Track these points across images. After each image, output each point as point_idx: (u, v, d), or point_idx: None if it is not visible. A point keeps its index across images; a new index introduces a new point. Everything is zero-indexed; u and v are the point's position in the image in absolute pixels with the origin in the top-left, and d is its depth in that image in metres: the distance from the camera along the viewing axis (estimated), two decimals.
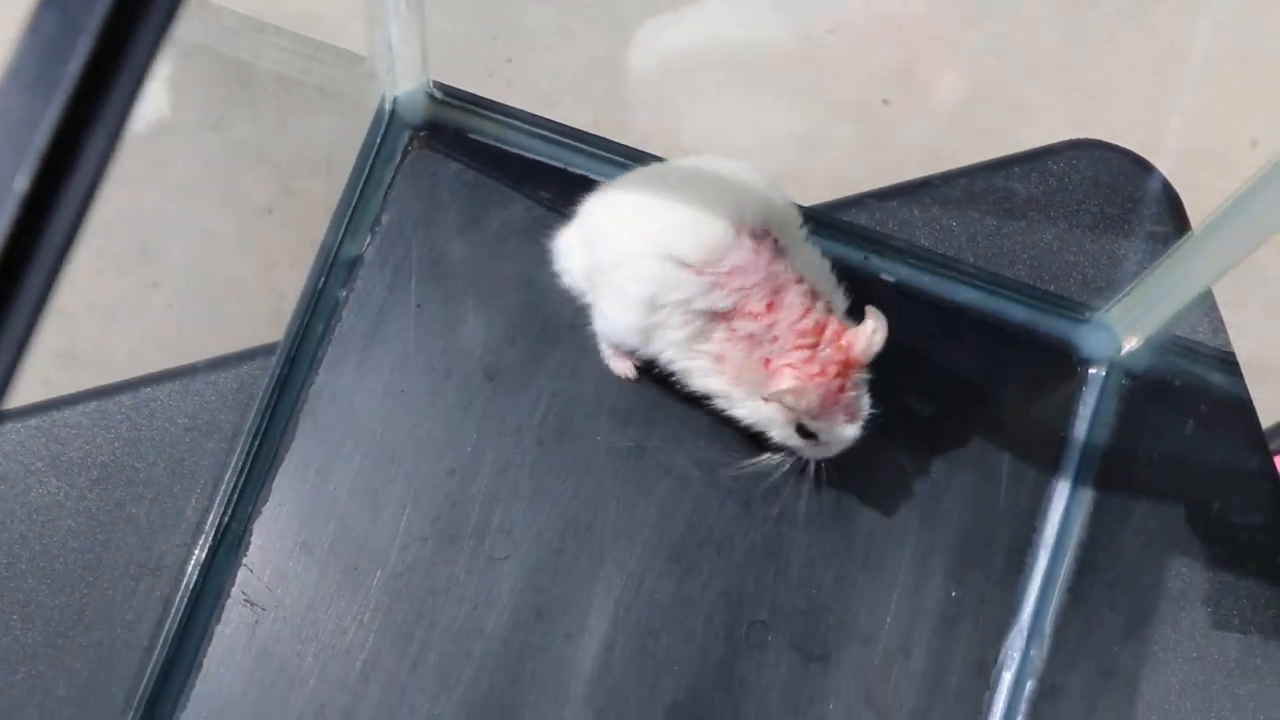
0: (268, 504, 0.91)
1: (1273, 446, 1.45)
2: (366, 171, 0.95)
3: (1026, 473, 0.95)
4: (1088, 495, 0.95)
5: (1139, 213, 1.00)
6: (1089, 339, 0.97)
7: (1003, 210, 0.99)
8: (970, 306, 0.97)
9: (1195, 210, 0.98)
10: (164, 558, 0.91)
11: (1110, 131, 1.02)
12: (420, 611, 0.90)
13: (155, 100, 1.39)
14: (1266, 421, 0.98)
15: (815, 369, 0.82)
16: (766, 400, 0.84)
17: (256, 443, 0.91)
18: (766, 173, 0.87)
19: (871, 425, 0.87)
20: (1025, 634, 0.93)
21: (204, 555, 0.89)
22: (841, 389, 0.83)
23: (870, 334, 0.83)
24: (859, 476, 0.90)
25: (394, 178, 0.96)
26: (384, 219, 0.95)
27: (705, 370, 0.87)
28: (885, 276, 0.97)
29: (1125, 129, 1.07)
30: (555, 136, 0.97)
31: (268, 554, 0.90)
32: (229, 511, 0.90)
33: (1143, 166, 1.00)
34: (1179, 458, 0.96)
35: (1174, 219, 0.99)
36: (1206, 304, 0.97)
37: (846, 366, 0.83)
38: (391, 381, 0.93)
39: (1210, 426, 0.97)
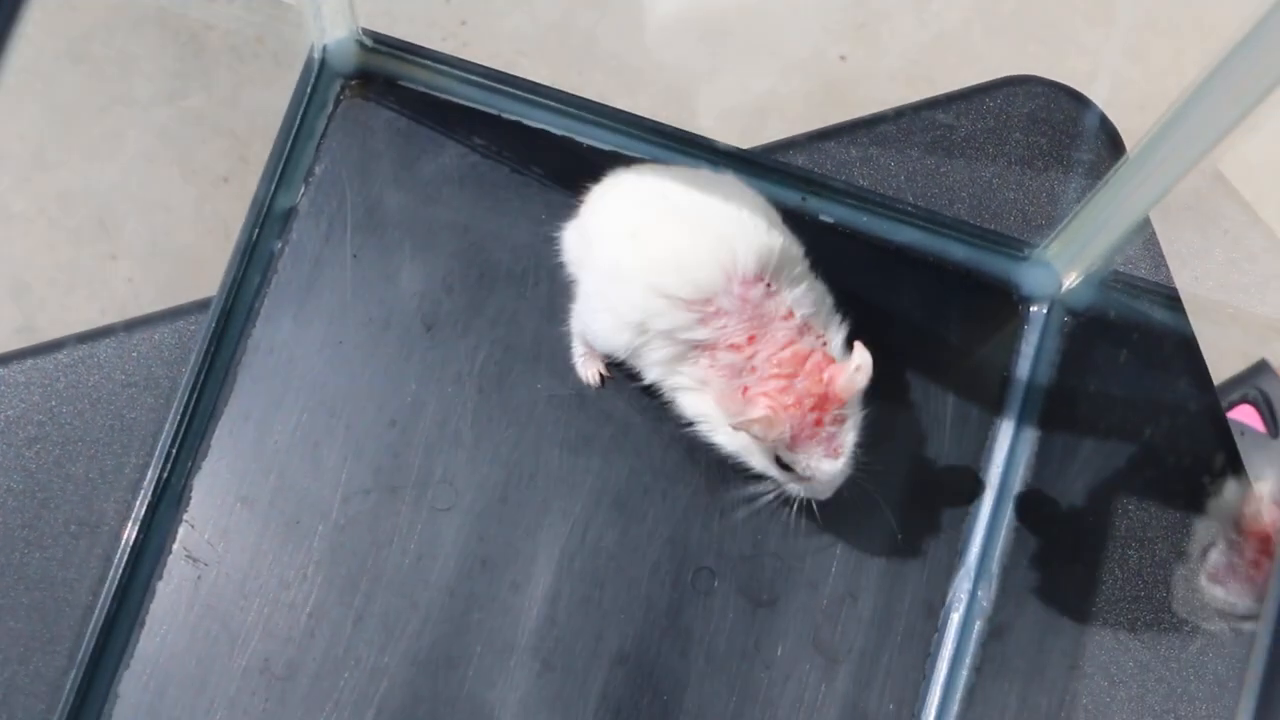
0: (207, 459, 0.91)
1: (1232, 398, 1.45)
2: (298, 122, 0.94)
3: (970, 413, 0.95)
4: (1032, 435, 0.95)
5: (1077, 148, 0.99)
6: (1029, 276, 0.97)
7: (941, 148, 0.99)
8: (909, 246, 0.97)
9: (1134, 144, 0.98)
10: (104, 515, 0.90)
11: (1050, 69, 1.02)
12: (364, 564, 0.90)
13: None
14: (1221, 365, 0.98)
15: (789, 400, 0.81)
16: (735, 428, 0.83)
17: (194, 397, 0.91)
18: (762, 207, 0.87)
19: None
20: (972, 575, 0.92)
21: (144, 511, 0.89)
22: (818, 422, 0.82)
23: (853, 370, 0.82)
24: None
25: (326, 127, 0.95)
26: (317, 169, 0.95)
27: (687, 391, 0.87)
28: (824, 218, 0.96)
29: (1066, 66, 1.06)
30: (488, 82, 0.97)
31: (208, 509, 0.90)
32: (168, 467, 0.90)
33: (1080, 101, 1.00)
34: (1123, 395, 0.96)
35: (1112, 153, 0.99)
36: (1147, 239, 0.97)
37: (825, 400, 0.82)
38: (329, 333, 0.92)
39: (1154, 363, 0.96)
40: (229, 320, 0.92)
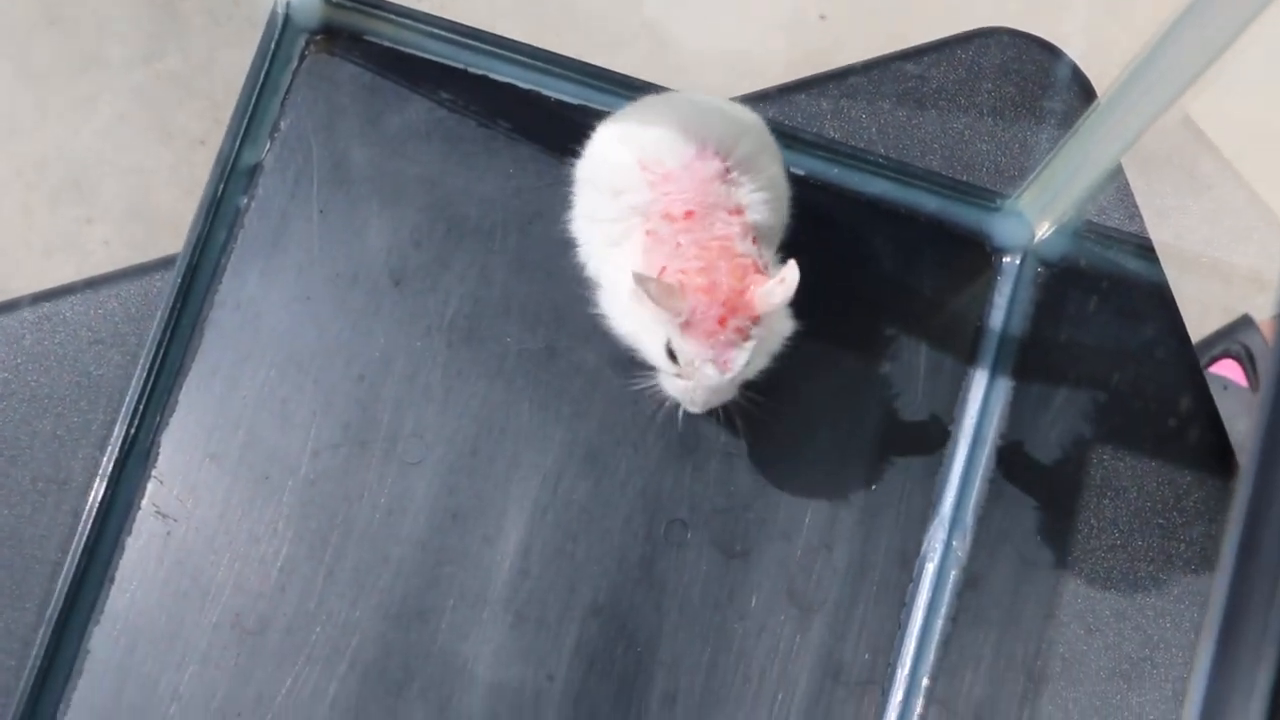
0: (175, 415, 0.90)
1: (1214, 352, 1.45)
2: (263, 77, 0.94)
3: (944, 364, 0.94)
4: (1006, 386, 0.94)
5: (1049, 99, 0.99)
6: (1001, 227, 0.96)
7: (913, 100, 0.98)
8: (881, 198, 0.96)
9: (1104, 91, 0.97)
10: (71, 471, 0.90)
11: (1021, 19, 1.01)
12: (334, 518, 0.89)
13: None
14: (1204, 320, 0.98)
15: (703, 283, 0.78)
16: (636, 283, 0.78)
17: (161, 354, 0.90)
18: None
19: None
20: (947, 525, 0.92)
21: (112, 468, 0.89)
22: (721, 320, 0.78)
23: (776, 282, 0.78)
24: (775, 373, 0.88)
25: (292, 83, 0.95)
26: (283, 125, 0.94)
27: (609, 263, 0.85)
28: (795, 170, 0.96)
29: (1037, 17, 1.05)
30: (454, 37, 0.96)
31: (177, 465, 0.90)
32: (136, 424, 0.89)
33: (1052, 52, 0.99)
34: (1097, 345, 0.96)
35: (1084, 103, 0.98)
36: (1119, 189, 0.96)
37: (737, 302, 0.78)
38: (297, 288, 0.92)
39: (1127, 313, 0.96)
40: (195, 277, 0.91)
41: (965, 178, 0.97)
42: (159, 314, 0.90)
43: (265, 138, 0.94)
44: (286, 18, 0.95)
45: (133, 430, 0.89)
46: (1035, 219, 0.95)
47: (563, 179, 0.91)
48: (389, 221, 0.93)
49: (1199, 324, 0.99)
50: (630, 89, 0.96)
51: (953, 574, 0.92)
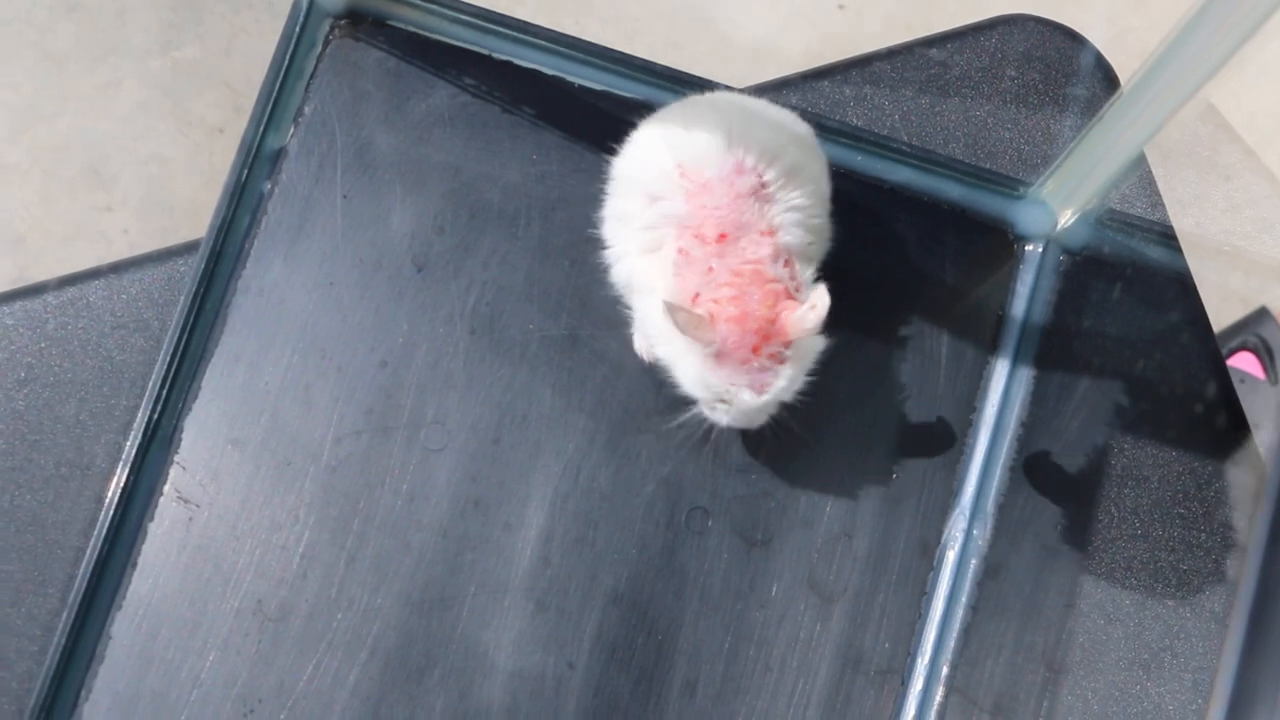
0: (198, 400, 0.90)
1: (1232, 344, 1.45)
2: (287, 62, 0.94)
3: (965, 352, 0.94)
4: (1027, 374, 0.94)
5: (1073, 86, 0.99)
6: (1024, 215, 0.96)
7: (936, 88, 0.98)
8: (905, 186, 0.96)
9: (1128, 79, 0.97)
10: (94, 457, 0.90)
11: (1045, 7, 1.01)
12: (356, 505, 0.89)
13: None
14: (1222, 311, 0.97)
15: (734, 312, 0.79)
16: (669, 314, 0.78)
17: (184, 339, 0.90)
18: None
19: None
20: (968, 514, 0.92)
21: (134, 453, 0.89)
22: (755, 349, 0.79)
23: (806, 309, 0.79)
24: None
25: (316, 68, 0.94)
26: (307, 110, 0.94)
27: (642, 291, 0.85)
28: None
29: (1061, 4, 1.05)
30: (478, 22, 0.96)
31: (199, 451, 0.90)
32: (159, 409, 0.89)
33: (1075, 40, 0.99)
34: (1119, 334, 0.95)
35: (1107, 91, 0.98)
36: (1142, 177, 0.96)
37: (770, 330, 0.79)
38: (320, 274, 0.92)
39: (1149, 301, 0.96)
40: (218, 262, 0.91)
41: (988, 165, 0.97)
42: (182, 299, 0.90)
43: (289, 123, 0.94)
44: (311, 2, 0.95)
45: (155, 416, 0.89)
46: (1058, 207, 0.94)
47: (586, 166, 0.92)
48: (412, 207, 0.93)
49: (1217, 315, 0.98)
50: (653, 75, 0.96)
51: (973, 563, 0.91)
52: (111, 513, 0.88)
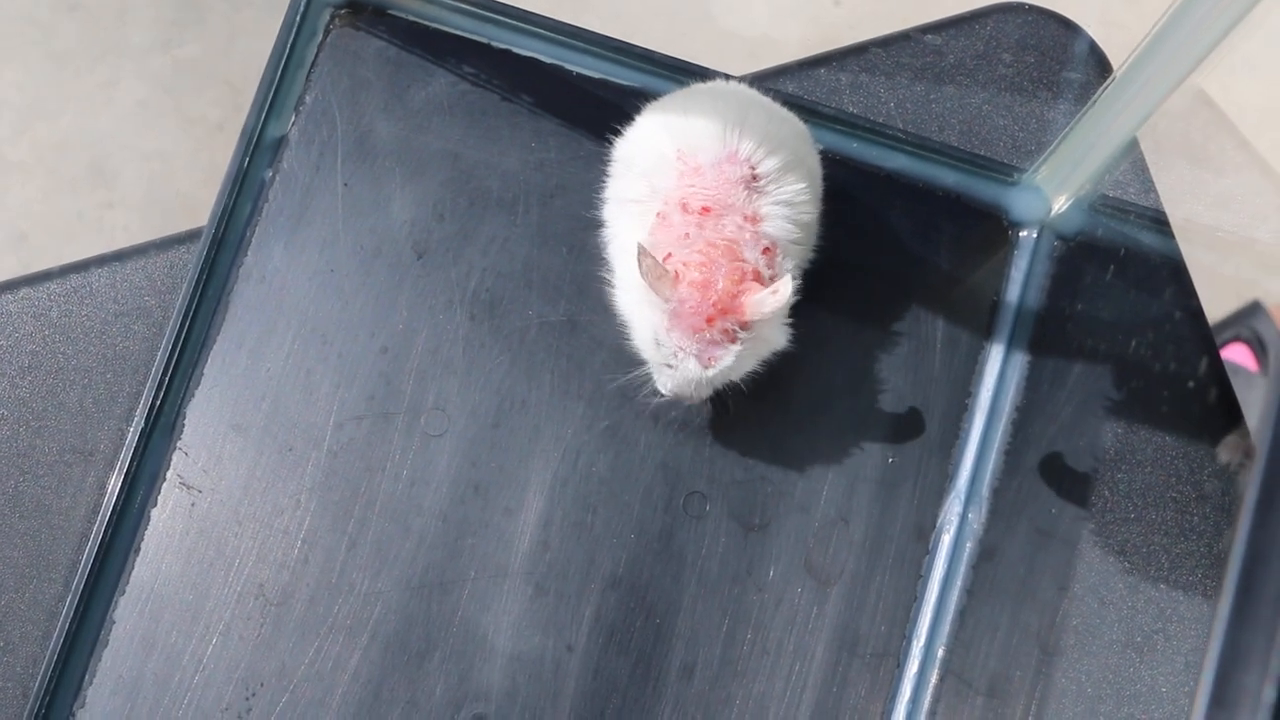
0: (200, 387, 0.91)
1: (1225, 337, 1.45)
2: (288, 50, 0.95)
3: (960, 338, 0.95)
4: (1022, 359, 0.95)
5: (1066, 73, 0.99)
6: (1018, 201, 0.97)
7: (931, 75, 0.99)
8: (900, 173, 0.97)
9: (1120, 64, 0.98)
10: (98, 443, 0.91)
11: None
12: (357, 490, 0.90)
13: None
14: (1215, 304, 0.98)
15: (698, 278, 0.80)
16: (639, 259, 0.79)
17: (187, 326, 0.91)
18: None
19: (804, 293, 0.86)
20: (963, 498, 0.93)
21: (137, 439, 0.89)
22: (710, 319, 0.80)
23: (769, 292, 0.80)
24: (793, 347, 0.89)
25: (316, 56, 0.95)
26: (308, 98, 0.95)
27: (621, 237, 0.87)
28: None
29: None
30: (477, 10, 0.97)
31: (202, 436, 0.90)
32: (161, 395, 0.90)
33: (1069, 27, 1.00)
34: (1112, 319, 0.96)
35: (1100, 77, 0.99)
36: (1135, 162, 0.97)
37: (728, 305, 0.80)
38: (321, 261, 0.93)
39: (1143, 287, 0.97)
40: (220, 249, 0.92)
41: (983, 152, 0.98)
42: (184, 287, 0.91)
43: (290, 111, 0.94)
44: None
45: (158, 402, 0.90)
46: (1052, 193, 0.95)
47: (585, 153, 0.93)
48: (412, 195, 0.94)
49: (1210, 305, 0.99)
50: (652, 63, 0.96)
51: (968, 546, 0.92)
52: (115, 498, 0.89)
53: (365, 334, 0.92)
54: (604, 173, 0.90)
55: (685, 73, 0.96)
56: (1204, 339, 0.96)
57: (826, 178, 0.89)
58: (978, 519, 0.92)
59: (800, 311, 0.86)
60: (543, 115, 0.95)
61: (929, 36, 0.99)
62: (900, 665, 0.91)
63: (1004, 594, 0.92)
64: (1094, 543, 0.93)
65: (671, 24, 1.59)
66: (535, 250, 0.93)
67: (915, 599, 0.91)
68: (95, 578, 0.88)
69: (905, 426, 0.93)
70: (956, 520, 0.92)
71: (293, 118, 0.94)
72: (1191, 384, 0.96)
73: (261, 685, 0.88)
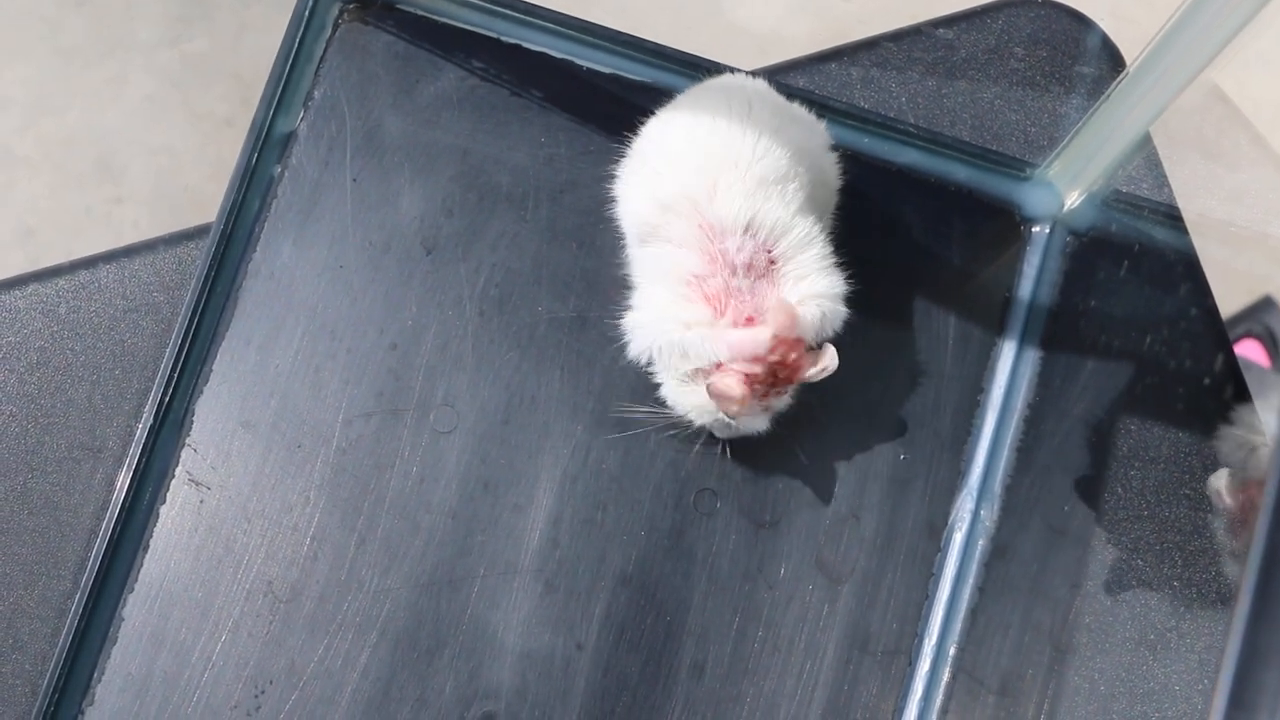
0: (209, 383, 0.91)
1: (1236, 332, 1.45)
2: (296, 45, 0.94)
3: (972, 334, 0.95)
4: (1034, 355, 0.95)
5: (1079, 67, 0.99)
6: (1031, 197, 0.96)
7: (943, 70, 0.98)
8: (912, 168, 0.97)
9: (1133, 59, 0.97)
10: (106, 439, 0.90)
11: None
12: (366, 487, 0.90)
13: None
14: (1228, 299, 0.97)
15: (759, 370, 0.81)
16: (710, 390, 0.82)
17: (195, 322, 0.91)
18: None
19: None
20: (975, 495, 0.92)
21: (146, 436, 0.89)
22: (765, 396, 0.83)
23: (818, 369, 0.82)
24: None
25: (325, 51, 0.95)
26: (316, 93, 0.94)
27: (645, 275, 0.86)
28: None
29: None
30: (487, 5, 0.96)
31: (210, 433, 0.90)
32: (170, 392, 0.90)
33: (1082, 22, 0.99)
34: (1125, 315, 0.96)
35: (1113, 72, 0.98)
36: (1148, 157, 0.96)
37: (785, 378, 0.82)
38: (330, 257, 0.92)
39: (1156, 282, 0.96)
40: (229, 245, 0.92)
41: (995, 147, 0.97)
42: (193, 282, 0.91)
43: (299, 106, 0.94)
44: None
45: (167, 398, 0.90)
46: (1064, 188, 0.95)
47: (595, 149, 0.92)
48: (421, 190, 0.93)
49: (1223, 300, 0.98)
50: (663, 58, 0.96)
51: (980, 544, 0.92)
52: (123, 495, 0.88)
53: (374, 330, 0.91)
54: (614, 170, 0.88)
55: (696, 67, 0.95)
56: (1218, 335, 0.96)
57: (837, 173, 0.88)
58: (990, 516, 0.92)
59: None
60: (552, 110, 0.94)
61: (941, 31, 0.99)
62: (912, 663, 0.90)
63: (1016, 591, 0.91)
64: (1107, 540, 0.93)
65: (678, 18, 1.58)
66: (545, 246, 0.93)
67: (927, 597, 0.91)
68: (104, 575, 0.88)
69: (917, 423, 0.93)
70: (969, 517, 0.92)
71: (301, 113, 0.94)
72: (1206, 381, 0.95)
73: (271, 682, 0.87)
